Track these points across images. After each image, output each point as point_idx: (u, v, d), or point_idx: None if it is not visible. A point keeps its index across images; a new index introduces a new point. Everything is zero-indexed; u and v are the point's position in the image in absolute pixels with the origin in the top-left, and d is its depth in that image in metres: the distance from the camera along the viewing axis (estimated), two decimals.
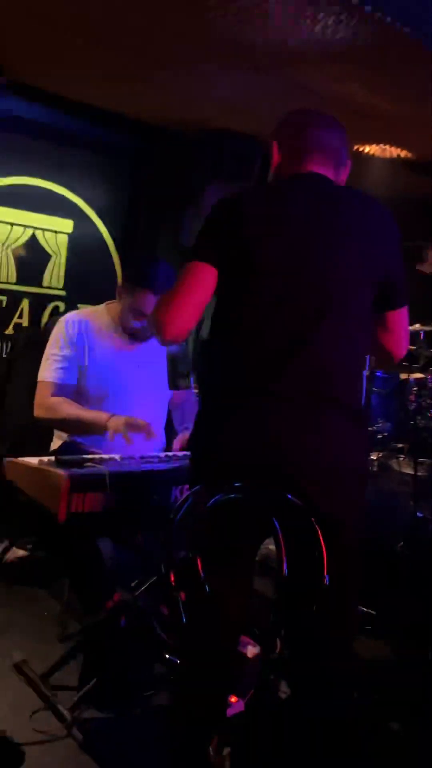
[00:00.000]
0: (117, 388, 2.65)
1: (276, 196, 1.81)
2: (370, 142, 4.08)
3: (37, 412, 2.61)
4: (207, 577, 1.60)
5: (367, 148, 4.17)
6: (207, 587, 1.47)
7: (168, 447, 2.78)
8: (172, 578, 1.62)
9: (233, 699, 2.15)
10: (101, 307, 2.76)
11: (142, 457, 2.36)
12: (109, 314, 2.72)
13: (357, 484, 1.70)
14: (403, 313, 1.85)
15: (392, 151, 4.20)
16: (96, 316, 2.72)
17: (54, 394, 2.59)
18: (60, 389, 2.60)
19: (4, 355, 4.01)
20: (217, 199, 1.80)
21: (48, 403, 2.59)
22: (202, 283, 1.73)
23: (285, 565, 1.55)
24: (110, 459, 2.27)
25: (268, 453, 1.61)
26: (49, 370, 2.62)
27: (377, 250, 1.75)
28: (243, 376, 1.67)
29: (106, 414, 2.49)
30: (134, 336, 2.67)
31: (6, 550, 3.11)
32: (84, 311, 2.79)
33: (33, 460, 2.18)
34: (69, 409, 2.56)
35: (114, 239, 4.51)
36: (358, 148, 4.13)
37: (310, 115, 1.93)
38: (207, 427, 1.73)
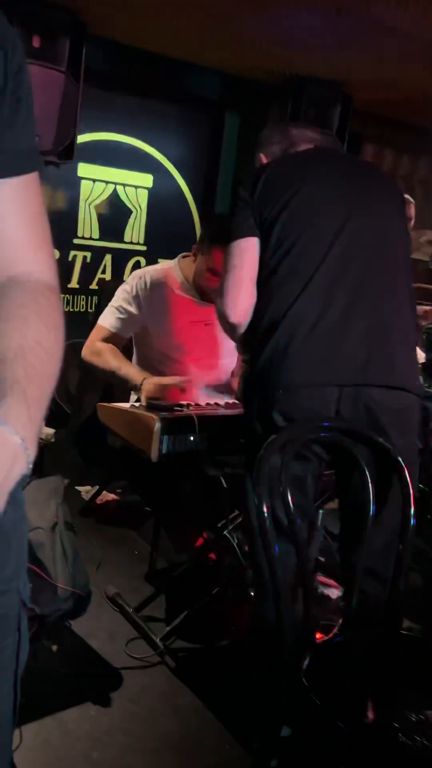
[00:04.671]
0: (183, 344, 2.71)
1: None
2: None
3: (84, 352, 2.68)
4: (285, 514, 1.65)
5: None
6: (292, 524, 1.52)
7: None
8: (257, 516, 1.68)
9: (318, 636, 2.24)
10: (173, 262, 2.79)
11: (226, 403, 2.43)
12: (181, 271, 2.75)
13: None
14: None
15: None
16: (167, 272, 2.75)
17: (104, 340, 2.67)
18: (112, 337, 2.67)
19: (90, 310, 4.14)
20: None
21: (95, 348, 2.65)
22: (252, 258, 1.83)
23: (372, 500, 1.58)
24: (196, 404, 2.35)
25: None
26: (108, 317, 2.69)
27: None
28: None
29: (140, 375, 2.51)
30: (206, 298, 2.69)
31: (97, 493, 3.27)
32: (156, 268, 2.82)
33: (124, 405, 2.28)
34: (110, 358, 2.60)
35: (193, 192, 4.54)
36: None
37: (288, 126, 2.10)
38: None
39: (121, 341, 2.69)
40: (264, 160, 2.01)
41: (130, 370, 2.57)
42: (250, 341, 1.87)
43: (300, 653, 1.54)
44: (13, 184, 0.85)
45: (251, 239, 1.82)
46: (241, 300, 1.83)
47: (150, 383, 2.44)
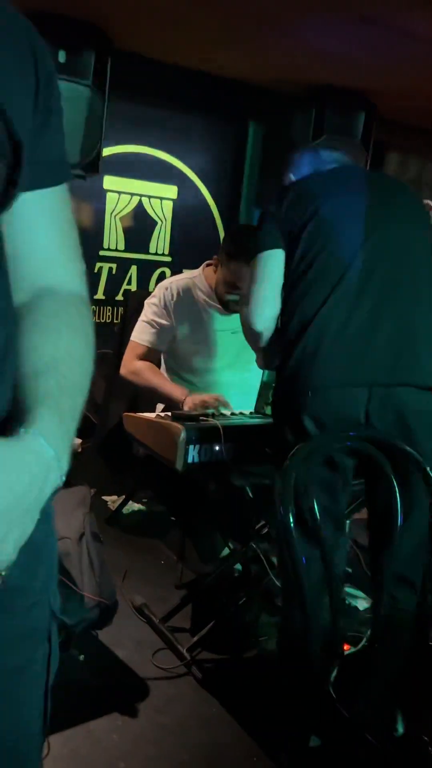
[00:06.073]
0: (211, 353, 2.72)
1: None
2: None
3: (123, 371, 2.72)
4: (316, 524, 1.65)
5: None
6: (320, 534, 1.51)
7: None
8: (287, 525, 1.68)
9: (346, 647, 2.22)
10: (198, 271, 2.81)
11: (251, 413, 2.43)
12: (206, 279, 2.77)
13: None
14: None
15: None
16: (193, 280, 2.77)
17: (141, 357, 2.69)
18: (148, 353, 2.70)
19: (116, 321, 4.16)
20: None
21: (133, 366, 2.70)
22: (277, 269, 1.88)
23: (400, 507, 1.57)
24: (221, 414, 2.36)
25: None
26: (141, 332, 2.72)
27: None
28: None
29: (183, 391, 2.55)
30: (227, 307, 2.71)
31: (124, 503, 3.29)
32: (182, 277, 2.85)
33: (150, 415, 2.29)
34: (151, 376, 2.65)
35: (217, 203, 4.55)
36: None
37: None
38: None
39: (157, 354, 2.73)
40: (293, 180, 2.07)
41: (170, 387, 2.62)
42: (278, 347, 1.89)
43: (328, 664, 1.53)
44: (44, 195, 0.85)
45: (276, 251, 1.87)
46: (266, 309, 1.89)
47: (192, 400, 2.47)
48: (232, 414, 2.39)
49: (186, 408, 2.47)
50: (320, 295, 1.79)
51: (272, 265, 1.87)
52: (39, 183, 0.83)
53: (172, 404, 2.55)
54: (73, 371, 0.79)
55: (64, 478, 0.71)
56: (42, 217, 0.85)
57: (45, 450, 0.69)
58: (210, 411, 2.33)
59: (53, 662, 0.88)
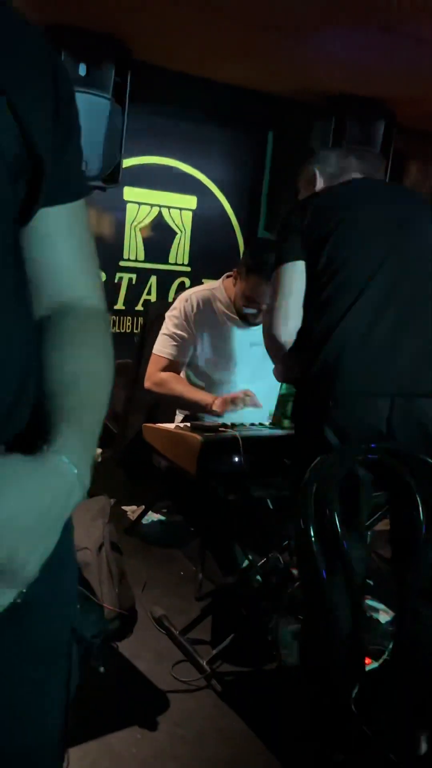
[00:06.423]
0: (230, 364, 2.72)
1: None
2: None
3: (147, 384, 2.74)
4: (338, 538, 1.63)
5: None
6: (342, 547, 1.50)
7: None
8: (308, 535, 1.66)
9: (368, 661, 2.19)
10: (218, 283, 2.82)
11: (271, 423, 2.42)
12: (226, 291, 2.77)
13: None
14: None
15: None
16: (213, 292, 2.78)
17: (164, 369, 2.70)
18: (171, 365, 2.70)
19: (136, 331, 4.17)
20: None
21: (157, 378, 2.71)
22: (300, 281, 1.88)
23: (422, 519, 1.55)
24: (241, 425, 2.35)
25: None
26: (163, 345, 2.73)
27: None
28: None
29: (210, 396, 2.58)
30: (245, 320, 2.71)
31: (143, 514, 3.28)
32: (202, 288, 2.85)
33: (169, 425, 2.29)
34: (176, 386, 2.67)
35: (237, 213, 4.56)
36: None
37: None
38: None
39: (180, 366, 2.74)
40: (317, 176, 2.07)
41: (196, 393, 2.64)
42: (298, 357, 1.88)
43: (350, 680, 1.51)
44: (63, 211, 0.85)
45: (298, 263, 1.87)
46: (290, 321, 1.88)
47: (222, 400, 2.50)
48: (251, 425, 2.38)
49: (217, 409, 2.49)
50: (342, 305, 1.78)
51: (295, 277, 1.86)
52: (58, 198, 0.84)
53: (200, 410, 2.56)
54: (93, 387, 0.79)
55: (86, 495, 0.71)
56: (61, 232, 0.86)
57: (68, 469, 0.70)
58: (229, 423, 2.32)
59: (73, 679, 0.87)
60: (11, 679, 0.80)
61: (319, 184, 2.06)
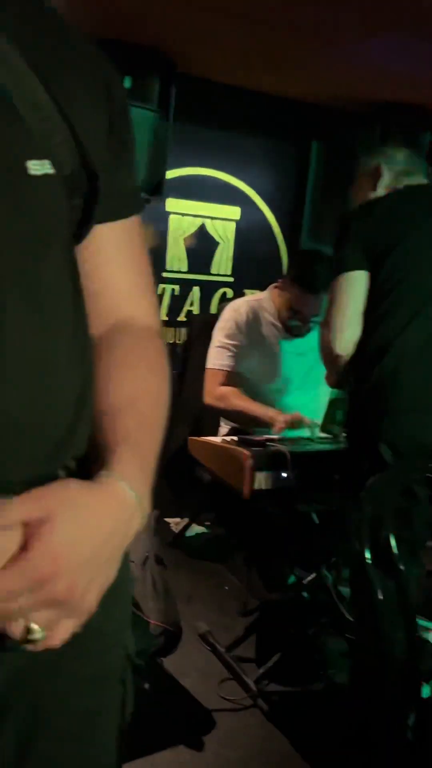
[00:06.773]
0: (279, 374, 2.69)
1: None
2: None
3: (207, 399, 2.71)
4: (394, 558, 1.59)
5: None
6: (398, 566, 1.45)
7: None
8: (364, 555, 1.62)
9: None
10: (265, 293, 2.80)
11: (319, 438, 2.38)
12: (273, 301, 2.75)
13: None
14: None
15: None
16: (261, 302, 2.76)
17: (223, 383, 2.68)
18: (229, 378, 2.68)
19: (179, 341, 4.17)
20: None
21: (217, 393, 2.68)
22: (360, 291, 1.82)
23: None
24: (288, 438, 2.31)
25: None
26: (218, 358, 2.70)
27: None
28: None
29: (272, 410, 2.54)
30: (290, 332, 2.68)
31: (187, 526, 3.26)
32: (250, 298, 2.84)
33: (216, 439, 2.26)
34: (238, 401, 2.64)
35: (280, 223, 4.53)
36: None
37: None
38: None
39: (237, 377, 2.71)
40: (384, 171, 2.00)
41: (256, 408, 2.60)
42: (355, 368, 1.84)
43: (406, 707, 1.45)
44: (117, 227, 0.83)
45: (360, 273, 1.81)
46: (347, 333, 1.83)
47: (283, 418, 2.48)
48: (300, 439, 2.34)
49: (279, 426, 2.46)
50: (401, 320, 1.74)
51: (355, 287, 1.81)
52: (113, 215, 0.82)
53: (261, 425, 2.54)
54: (151, 408, 0.77)
55: (146, 521, 0.69)
56: (116, 250, 0.84)
57: (127, 495, 0.67)
58: (277, 437, 2.29)
59: (128, 707, 0.84)
60: (66, 709, 0.78)
61: (386, 179, 1.98)
